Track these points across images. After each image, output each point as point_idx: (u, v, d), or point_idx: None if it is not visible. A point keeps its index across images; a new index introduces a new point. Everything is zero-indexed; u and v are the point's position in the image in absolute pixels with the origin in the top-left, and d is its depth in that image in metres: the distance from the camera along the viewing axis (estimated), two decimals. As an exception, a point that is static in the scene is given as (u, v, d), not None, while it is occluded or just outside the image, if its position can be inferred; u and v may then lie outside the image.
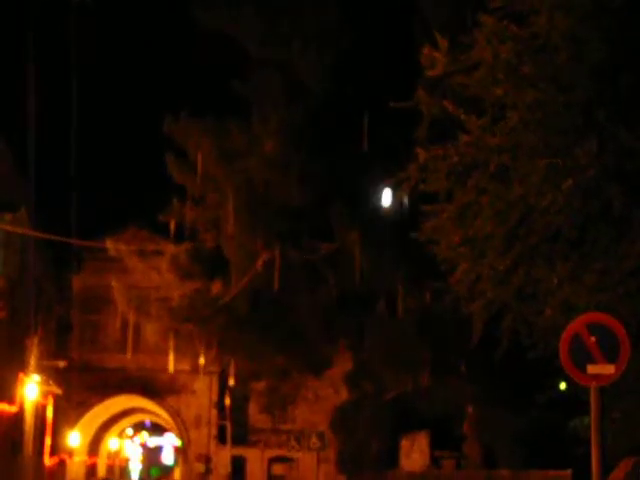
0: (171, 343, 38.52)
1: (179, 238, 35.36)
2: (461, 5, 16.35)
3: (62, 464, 45.84)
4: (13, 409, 34.47)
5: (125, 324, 45.40)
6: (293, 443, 40.64)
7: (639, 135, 13.25)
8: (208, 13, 32.94)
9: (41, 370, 38.11)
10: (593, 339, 10.14)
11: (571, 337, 10.19)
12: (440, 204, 15.75)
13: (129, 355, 45.94)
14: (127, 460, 74.17)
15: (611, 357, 10.10)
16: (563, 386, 29.06)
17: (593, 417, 10.23)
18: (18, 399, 35.20)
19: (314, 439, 32.38)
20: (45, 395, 39.59)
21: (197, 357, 41.28)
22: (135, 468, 77.34)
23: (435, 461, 35.51)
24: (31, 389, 36.28)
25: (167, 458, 78.63)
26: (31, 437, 38.13)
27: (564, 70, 14.10)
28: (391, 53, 26.83)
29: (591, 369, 10.16)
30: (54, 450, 44.13)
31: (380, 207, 28.20)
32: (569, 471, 22.10)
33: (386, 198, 23.09)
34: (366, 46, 29.74)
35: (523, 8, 14.46)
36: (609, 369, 10.11)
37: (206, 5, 32.95)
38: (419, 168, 15.32)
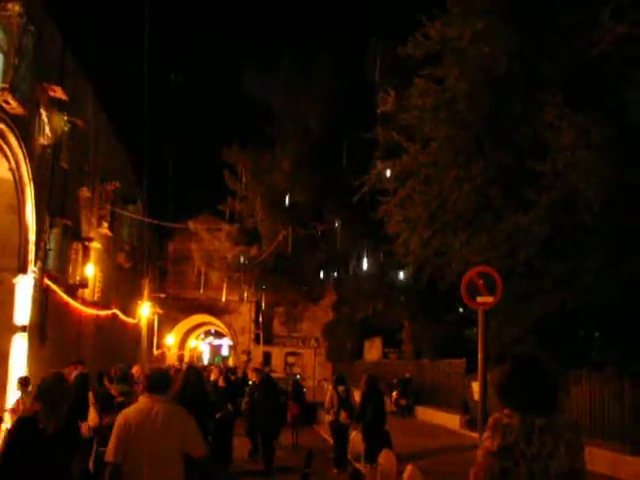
0: (225, 284, 38.68)
1: (231, 221, 35.67)
2: (403, 69, 16.13)
3: (163, 354, 46.06)
4: (135, 321, 34.73)
5: (199, 272, 45.85)
6: (300, 344, 40.93)
7: (509, 157, 13.17)
8: (250, 85, 33.09)
9: (151, 299, 38.21)
10: (481, 281, 10.03)
11: (468, 280, 10.08)
12: (388, 197, 15.68)
13: (201, 291, 46.23)
14: (201, 352, 74.80)
15: (491, 292, 9.97)
16: (461, 310, 29.27)
17: (480, 329, 10.13)
18: (137, 316, 35.37)
19: (313, 341, 32.46)
20: (153, 313, 39.73)
21: (242, 292, 41.31)
22: (205, 357, 77.65)
23: (385, 355, 35.63)
24: (145, 310, 36.51)
25: (224, 352, 78.70)
26: (145, 338, 38.24)
27: (464, 115, 14.01)
28: (360, 103, 26.67)
29: (479, 299, 10.05)
30: (158, 346, 44.40)
31: (352, 201, 28.22)
32: (464, 359, 22.10)
33: (355, 195, 22.94)
34: (346, 103, 29.72)
35: (441, 74, 14.36)
36: (490, 299, 9.98)
37: (248, 80, 33.12)
38: (377, 173, 15.26)
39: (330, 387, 14.80)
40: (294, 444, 18.00)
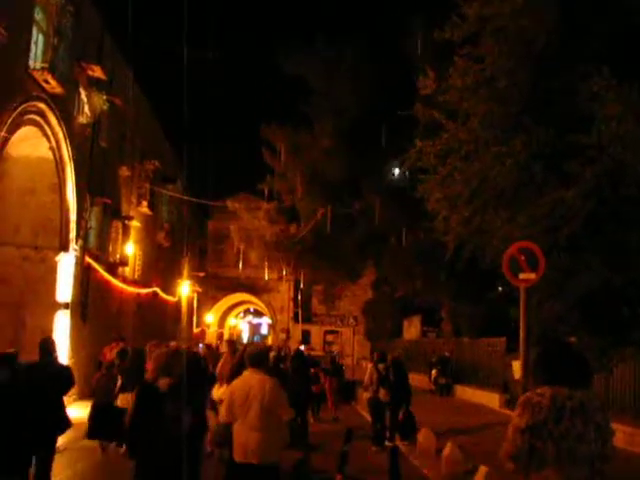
0: (265, 262, 38.79)
1: (270, 199, 35.63)
2: (443, 49, 15.89)
3: (203, 332, 46.56)
4: (175, 299, 35.12)
5: (238, 251, 46.07)
6: (338, 322, 40.91)
7: (550, 131, 12.90)
8: (287, 62, 32.88)
9: (190, 277, 38.56)
10: (523, 257, 9.80)
11: (509, 256, 9.84)
12: (429, 175, 15.51)
13: (240, 269, 46.46)
14: (241, 331, 75.48)
15: (533, 268, 9.74)
16: (500, 288, 28.92)
17: (522, 306, 9.85)
18: (177, 294, 35.77)
19: (352, 320, 32.44)
20: (193, 292, 40.15)
21: (281, 271, 41.43)
22: (245, 335, 78.37)
23: (424, 333, 35.48)
24: (185, 288, 36.88)
25: (264, 330, 79.48)
26: (185, 316, 38.68)
27: (504, 92, 13.76)
28: (398, 82, 26.35)
29: (522, 276, 9.78)
30: (198, 324, 44.91)
31: (391, 179, 28.16)
32: (504, 338, 21.90)
33: (395, 173, 22.82)
34: (383, 80, 29.40)
35: (480, 53, 14.10)
36: (532, 276, 9.75)
37: (286, 58, 32.88)
38: (417, 152, 15.08)
39: (370, 364, 14.74)
40: (334, 418, 18.08)
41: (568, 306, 12.51)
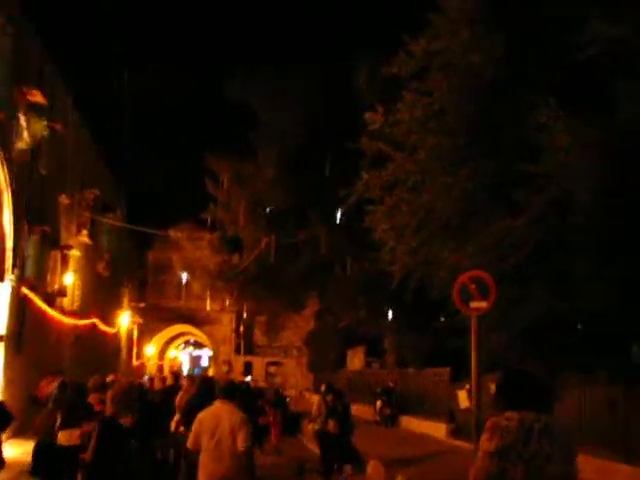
0: (208, 293, 38.35)
1: (213, 229, 35.30)
2: (391, 84, 16.07)
3: (143, 364, 45.52)
4: (115, 331, 34.30)
5: (179, 282, 45.51)
6: (282, 354, 40.65)
7: (496, 161, 13.10)
8: (232, 91, 32.89)
9: (130, 308, 37.78)
10: (474, 286, 9.87)
11: (460, 285, 9.92)
12: (376, 206, 15.56)
13: (182, 300, 45.85)
14: (181, 363, 74.22)
15: (484, 296, 9.82)
16: (442, 319, 29.16)
17: (474, 335, 9.90)
18: (117, 325, 34.95)
19: (295, 351, 32.25)
20: (133, 323, 39.30)
21: (224, 301, 41.00)
22: (185, 368, 77.08)
23: (368, 364, 35.45)
24: (124, 320, 36.08)
25: (204, 362, 78.43)
26: (125, 348, 37.76)
27: (452, 125, 13.94)
28: (344, 113, 26.55)
29: (473, 304, 9.88)
30: (138, 356, 43.92)
31: (337, 209, 28.18)
32: (449, 368, 22.00)
33: (341, 203, 22.85)
34: (329, 111, 29.60)
35: (429, 87, 14.29)
36: (483, 304, 9.82)
37: (231, 87, 32.91)
38: (364, 184, 15.12)
39: (317, 396, 14.56)
40: (277, 450, 17.74)
41: (514, 334, 12.59)
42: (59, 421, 10.95)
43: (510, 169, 12.01)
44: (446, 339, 25.54)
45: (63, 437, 10.35)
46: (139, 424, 6.25)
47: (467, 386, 19.72)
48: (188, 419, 8.01)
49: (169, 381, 15.08)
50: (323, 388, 14.57)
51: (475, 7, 13.19)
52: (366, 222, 15.73)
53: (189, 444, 6.61)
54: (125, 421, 6.16)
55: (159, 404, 10.48)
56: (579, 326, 11.91)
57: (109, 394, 6.65)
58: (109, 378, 12.67)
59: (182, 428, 8.89)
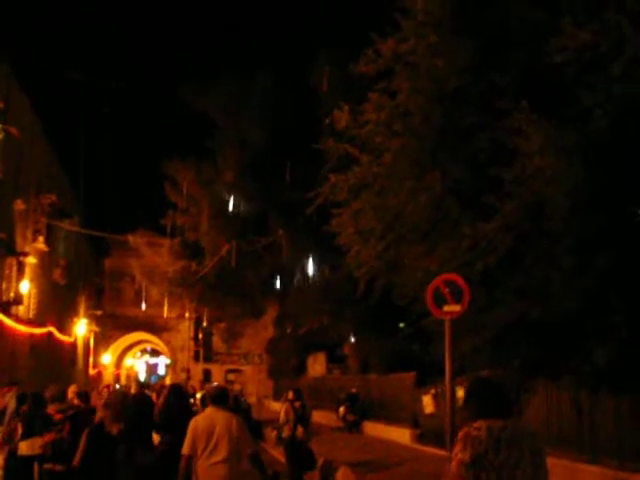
0: (166, 300, 37.80)
1: (173, 235, 34.67)
2: (355, 83, 16.01)
3: (99, 373, 44.71)
4: (72, 340, 33.61)
5: (137, 289, 44.81)
6: (242, 361, 40.22)
7: (464, 166, 13.08)
8: (188, 95, 32.45)
9: (87, 316, 37.05)
10: (447, 289, 9.84)
11: (434, 288, 9.90)
12: (342, 209, 15.42)
13: (142, 307, 45.05)
14: (137, 372, 73.06)
15: (458, 300, 9.80)
16: (401, 325, 29.19)
17: (447, 339, 9.83)
18: (73, 334, 34.28)
19: (256, 358, 31.95)
20: (89, 331, 38.56)
21: (182, 309, 40.47)
22: (141, 377, 75.92)
23: (329, 370, 35.26)
24: (81, 328, 35.42)
25: (161, 370, 77.45)
26: (81, 357, 37.06)
27: (417, 128, 13.87)
28: (304, 115, 26.47)
29: (446, 308, 9.84)
30: (95, 365, 43.09)
31: (298, 214, 28.02)
32: (413, 373, 21.93)
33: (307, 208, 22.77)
34: (289, 114, 29.47)
35: (394, 88, 14.19)
36: (457, 308, 9.81)
37: (187, 91, 32.47)
38: (331, 186, 14.96)
39: (286, 402, 14.33)
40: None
41: (484, 339, 12.57)
42: (19, 432, 10.66)
43: (480, 173, 11.98)
44: (409, 344, 25.62)
45: (24, 447, 10.05)
46: (126, 432, 6.48)
47: (432, 391, 19.72)
48: (164, 426, 8.02)
49: (133, 390, 14.80)
50: (290, 395, 14.34)
51: (441, 10, 13.14)
52: (332, 225, 15.53)
53: (185, 450, 6.62)
54: (113, 429, 6.45)
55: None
56: (548, 332, 11.90)
57: (103, 403, 6.99)
58: (70, 388, 12.34)
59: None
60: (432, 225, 13.27)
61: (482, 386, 4.18)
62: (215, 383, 25.63)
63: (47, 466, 8.91)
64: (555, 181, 9.99)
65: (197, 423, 6.74)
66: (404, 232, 13.82)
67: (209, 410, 6.88)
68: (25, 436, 10.25)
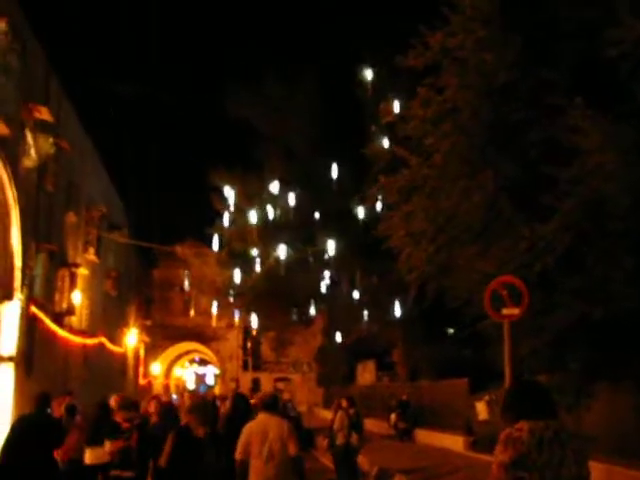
0: (215, 309, 37.81)
1: (221, 244, 34.61)
2: (403, 80, 15.86)
3: (149, 383, 45.08)
4: (122, 350, 33.86)
5: (186, 299, 45.06)
6: (290, 369, 40.15)
7: (516, 164, 12.79)
8: (235, 106, 32.65)
9: (137, 327, 37.39)
10: (505, 292, 9.66)
11: (491, 291, 9.72)
12: (391, 211, 15.27)
13: (191, 315, 45.11)
14: (185, 382, 73.49)
15: (517, 303, 9.64)
16: (451, 330, 28.80)
17: (506, 343, 9.70)
18: (124, 344, 34.56)
19: (305, 366, 31.86)
20: (139, 342, 38.90)
21: (231, 318, 40.46)
22: (190, 386, 76.30)
23: (379, 378, 34.99)
24: (131, 338, 35.68)
25: (209, 380, 77.79)
26: (131, 367, 37.35)
27: (467, 125, 13.62)
28: (351, 122, 26.39)
29: (505, 311, 9.69)
30: (144, 375, 43.44)
31: (346, 220, 27.79)
32: (466, 379, 21.60)
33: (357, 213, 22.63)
34: (334, 122, 29.43)
35: (442, 84, 13.98)
36: (516, 310, 9.65)
37: (233, 101, 32.66)
38: (380, 188, 14.81)
39: (338, 410, 14.18)
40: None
41: (543, 341, 12.22)
42: (83, 440, 10.71)
43: (533, 171, 11.68)
44: (460, 349, 25.25)
45: (90, 456, 10.08)
46: (211, 436, 7.10)
47: (486, 397, 19.33)
48: (228, 431, 8.56)
49: (187, 400, 14.88)
50: (344, 402, 14.22)
51: (490, 6, 12.88)
52: (382, 229, 15.38)
53: (238, 454, 6.98)
54: (198, 432, 6.96)
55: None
56: (608, 333, 11.49)
57: (188, 408, 7.41)
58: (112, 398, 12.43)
59: None
60: (485, 225, 12.98)
61: (523, 388, 4.22)
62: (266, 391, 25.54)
63: (115, 473, 8.98)
64: (615, 178, 9.65)
65: (251, 428, 7.10)
66: (457, 233, 13.59)
67: (261, 416, 7.20)
68: (90, 444, 10.30)
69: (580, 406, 12.89)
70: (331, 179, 26.41)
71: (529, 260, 11.35)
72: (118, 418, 9.47)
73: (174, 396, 26.79)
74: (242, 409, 9.30)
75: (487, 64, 12.99)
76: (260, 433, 6.95)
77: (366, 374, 37.00)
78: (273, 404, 7.35)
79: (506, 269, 11.48)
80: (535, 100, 12.17)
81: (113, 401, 11.87)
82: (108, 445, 9.04)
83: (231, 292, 34.05)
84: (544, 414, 3.92)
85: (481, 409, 19.25)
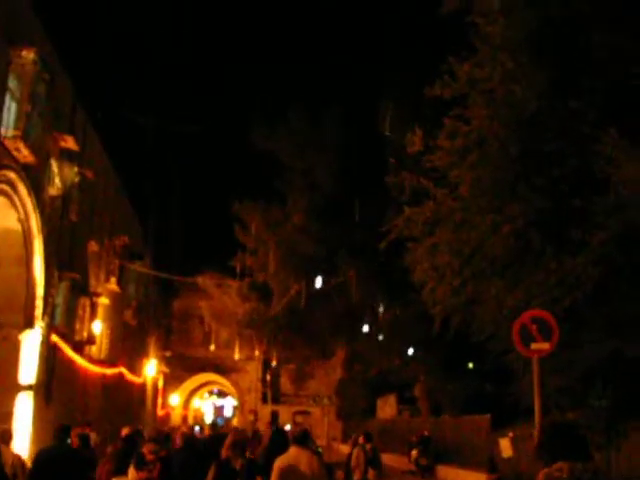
0: (236, 341, 37.68)
1: (242, 276, 34.61)
2: (427, 111, 15.78)
3: (167, 414, 44.73)
4: (140, 380, 33.68)
5: (205, 330, 44.90)
6: (310, 402, 39.71)
7: (546, 197, 12.56)
8: (258, 138, 32.76)
9: (156, 357, 37.23)
10: (535, 326, 9.38)
11: (520, 325, 9.44)
12: (415, 244, 15.05)
13: (212, 348, 44.78)
14: (204, 413, 72.86)
15: (547, 338, 9.34)
16: (470, 365, 28.31)
17: (535, 379, 9.34)
18: (143, 375, 34.38)
19: (326, 399, 31.50)
20: (159, 372, 38.69)
21: (251, 350, 40.32)
22: (208, 418, 75.59)
23: (399, 412, 34.42)
24: (150, 368, 35.50)
25: (227, 412, 77.17)
26: (150, 397, 37.15)
27: (494, 157, 13.43)
28: (373, 155, 26.43)
29: (534, 346, 9.37)
30: (163, 406, 43.13)
31: (370, 252, 27.70)
32: (488, 415, 21.13)
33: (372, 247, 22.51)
34: (357, 154, 29.49)
35: (469, 115, 13.85)
36: (545, 346, 9.35)
37: (257, 134, 32.78)
38: (405, 220, 14.61)
39: (356, 445, 13.89)
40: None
41: (573, 377, 11.88)
42: (108, 469, 10.63)
43: (565, 204, 11.44)
44: (483, 384, 24.77)
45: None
46: (247, 467, 7.57)
47: (510, 434, 18.82)
48: (266, 465, 8.67)
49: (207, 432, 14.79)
50: (361, 439, 13.95)
51: (520, 35, 12.78)
52: (406, 261, 15.16)
53: None
54: (236, 464, 7.53)
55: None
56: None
57: (229, 440, 7.91)
58: (123, 431, 12.30)
59: None
60: (513, 258, 12.72)
61: (559, 429, 4.20)
62: (287, 426, 25.25)
63: None
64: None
65: (282, 462, 7.31)
66: (483, 266, 13.35)
67: (292, 450, 7.42)
68: (115, 474, 10.24)
69: (610, 445, 12.46)
70: (353, 212, 26.41)
71: (558, 294, 11.05)
72: (145, 450, 9.37)
73: (196, 428, 26.47)
74: (280, 442, 9.68)
75: (516, 95, 12.85)
76: (291, 467, 7.19)
77: (387, 408, 36.43)
78: (304, 438, 7.59)
79: (535, 303, 11.18)
80: (565, 131, 12.01)
81: (123, 432, 11.83)
82: (132, 475, 8.89)
83: (251, 324, 33.83)
84: (580, 456, 3.90)
85: (505, 446, 18.71)
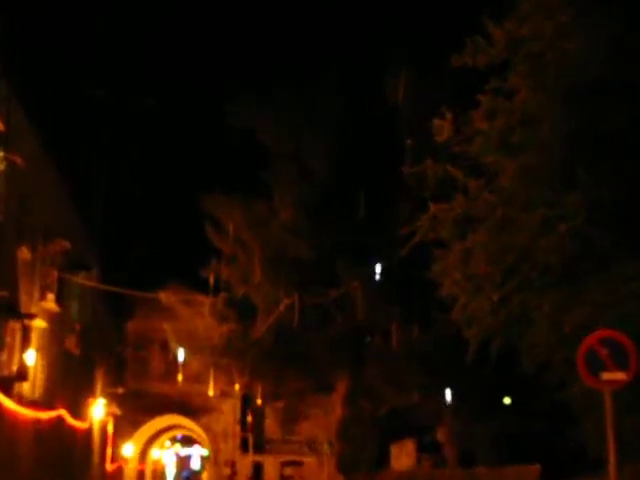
0: (211, 373, 37.40)
1: (216, 290, 34.28)
2: (460, 86, 15.58)
3: (119, 469, 44.48)
4: (85, 425, 33.46)
5: (168, 360, 44.77)
6: (304, 449, 39.48)
7: (610, 189, 12.34)
8: (236, 114, 32.37)
9: (105, 395, 36.95)
10: (606, 351, 9.36)
11: (587, 349, 9.53)
12: (443, 249, 14.86)
13: (177, 382, 44.46)
14: (164, 466, 72.44)
15: (621, 365, 9.33)
16: (507, 400, 28.23)
17: (608, 417, 9.34)
18: (88, 418, 34.15)
19: (325, 445, 31.25)
20: (108, 415, 38.39)
21: (228, 384, 40.04)
22: (170, 472, 75.56)
23: (419, 462, 34.35)
24: (98, 410, 35.23)
25: (195, 464, 77.21)
26: (98, 448, 36.97)
27: (545, 137, 13.22)
28: (382, 136, 26.20)
29: (605, 376, 9.39)
30: (114, 458, 42.86)
31: (376, 259, 27.57)
32: (538, 465, 20.98)
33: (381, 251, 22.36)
34: (360, 135, 29.25)
35: (510, 87, 13.66)
36: (620, 375, 9.34)
37: (235, 108, 32.41)
38: (430, 218, 14.40)
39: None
40: None
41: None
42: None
43: (637, 194, 11.25)
44: (527, 424, 24.59)
45: None
46: None
47: (565, 490, 18.67)
48: None
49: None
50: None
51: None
52: (433, 271, 14.96)
53: None
54: None
55: None
56: None
57: None
58: None
59: None
60: (572, 265, 12.52)
61: None
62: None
63: None
64: None
65: None
66: (533, 276, 13.33)
67: None
68: None
69: None
70: (357, 208, 26.21)
71: (633, 309, 10.91)
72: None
73: None
74: None
75: (572, 57, 12.64)
76: None
77: (403, 457, 36.34)
78: None
79: (603, 321, 10.99)
80: (637, 101, 11.76)
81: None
82: None
83: (229, 351, 33.51)
84: None
85: (560, 506, 18.58)
